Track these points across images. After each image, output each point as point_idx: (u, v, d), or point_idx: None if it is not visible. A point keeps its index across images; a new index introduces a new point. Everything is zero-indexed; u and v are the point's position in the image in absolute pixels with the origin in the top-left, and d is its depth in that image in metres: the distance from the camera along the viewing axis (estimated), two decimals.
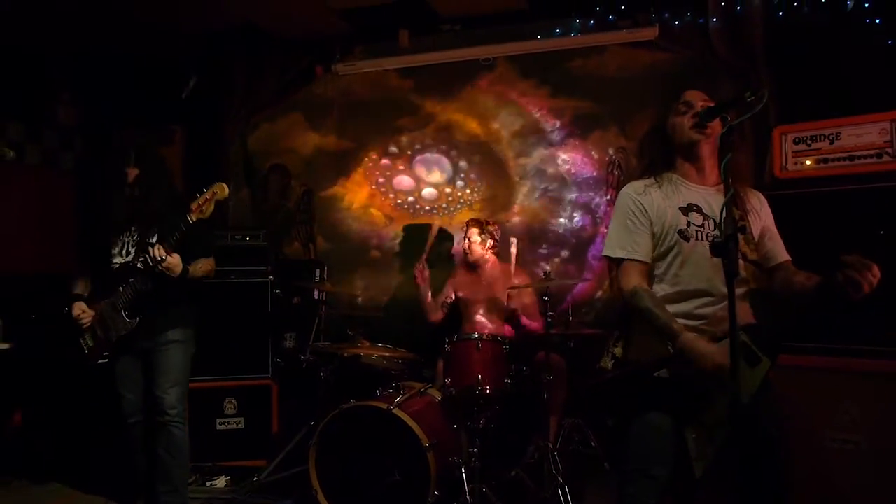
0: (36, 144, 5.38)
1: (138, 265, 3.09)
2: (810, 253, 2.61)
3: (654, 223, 2.09)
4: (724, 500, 1.95)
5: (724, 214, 1.65)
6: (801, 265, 2.17)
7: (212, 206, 3.00)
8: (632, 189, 2.17)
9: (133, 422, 3.28)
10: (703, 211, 2.08)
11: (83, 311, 3.23)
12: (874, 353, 2.94)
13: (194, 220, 3.00)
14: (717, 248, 1.65)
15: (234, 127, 5.39)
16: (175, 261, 3.02)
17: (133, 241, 3.25)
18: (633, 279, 2.07)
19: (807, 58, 3.77)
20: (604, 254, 2.18)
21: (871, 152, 3.05)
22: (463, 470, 3.30)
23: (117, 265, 3.23)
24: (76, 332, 3.25)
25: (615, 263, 2.15)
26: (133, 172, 3.25)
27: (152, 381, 3.20)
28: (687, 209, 2.08)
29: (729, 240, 1.62)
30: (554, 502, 3.32)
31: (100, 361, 3.23)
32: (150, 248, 2.98)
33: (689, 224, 2.05)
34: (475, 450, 3.37)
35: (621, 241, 2.12)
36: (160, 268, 2.98)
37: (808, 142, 3.20)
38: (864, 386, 2.96)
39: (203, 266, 3.25)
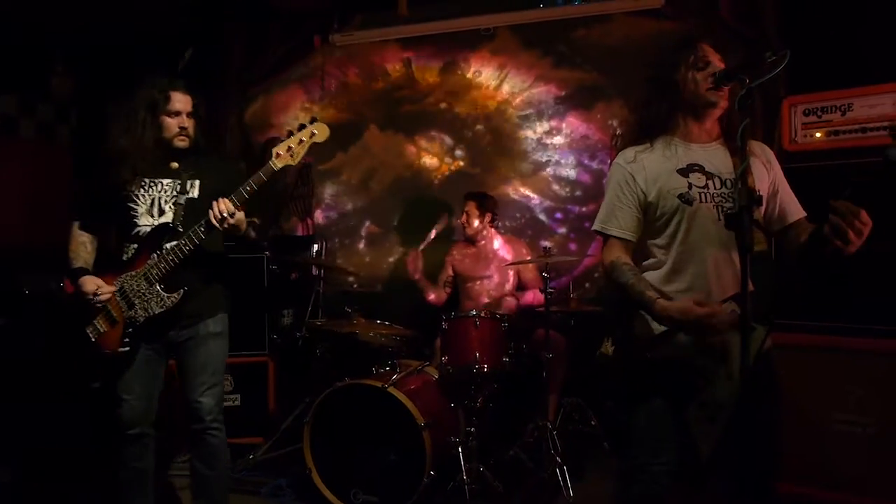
0: (30, 118, 5.29)
1: (179, 227, 2.54)
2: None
3: (648, 192, 1.96)
4: (733, 483, 1.88)
5: (739, 185, 1.55)
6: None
7: (304, 151, 2.46)
8: (622, 159, 2.03)
9: (133, 434, 2.62)
10: (706, 169, 1.95)
11: (99, 287, 2.55)
12: (883, 333, 2.86)
13: (279, 166, 2.45)
14: (730, 221, 1.56)
15: (230, 99, 5.30)
16: (242, 216, 2.47)
17: (168, 196, 2.62)
18: (612, 254, 1.98)
19: (821, 26, 3.61)
20: (594, 227, 2.08)
21: (885, 124, 2.93)
22: (460, 449, 3.25)
23: (147, 228, 2.59)
24: (84, 315, 2.59)
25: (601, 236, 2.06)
26: (183, 100, 2.63)
27: (185, 382, 2.65)
28: (687, 170, 1.94)
29: (743, 212, 1.52)
30: (552, 482, 3.27)
31: (120, 349, 2.56)
32: (214, 203, 2.41)
33: (690, 186, 1.92)
34: (472, 429, 3.32)
35: (605, 215, 2.03)
36: (225, 226, 2.42)
37: (819, 113, 3.09)
38: (872, 366, 2.88)
39: (257, 222, 2.78)
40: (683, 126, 2.01)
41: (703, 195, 1.91)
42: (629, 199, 1.98)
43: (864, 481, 2.85)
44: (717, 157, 1.97)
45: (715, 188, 1.92)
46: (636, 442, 1.98)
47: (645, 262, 2.02)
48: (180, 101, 2.65)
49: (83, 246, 2.72)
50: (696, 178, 1.92)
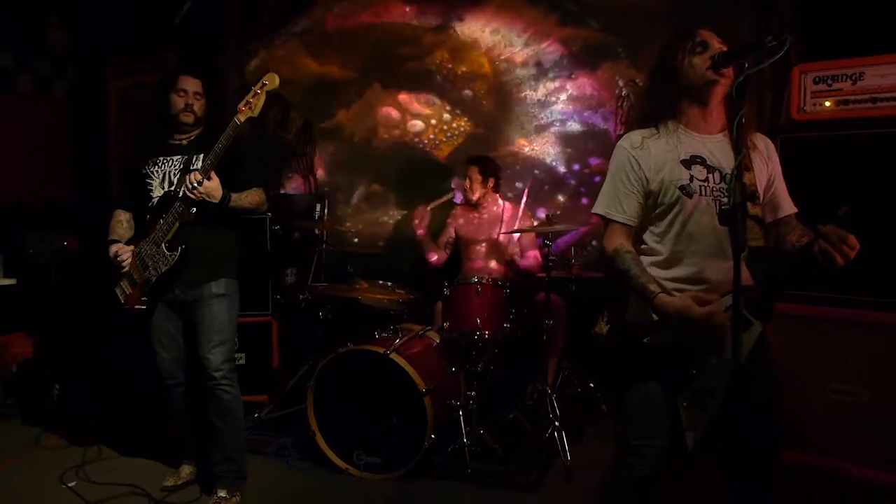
0: (28, 72, 5.22)
1: (180, 193, 2.75)
2: (824, 201, 2.50)
3: (651, 180, 1.94)
4: (717, 469, 1.93)
5: (733, 181, 1.54)
6: (814, 214, 2.04)
7: (262, 101, 2.65)
8: (628, 143, 1.98)
9: (171, 384, 3.02)
10: (708, 162, 1.92)
11: (121, 250, 2.89)
12: (882, 305, 2.87)
13: (242, 120, 2.65)
14: (724, 217, 1.55)
15: (230, 54, 5.21)
16: (213, 185, 2.68)
17: (177, 169, 2.88)
18: (615, 240, 1.95)
19: None
20: (595, 210, 2.04)
21: None
22: (460, 413, 3.32)
23: (156, 198, 2.88)
24: (112, 280, 2.92)
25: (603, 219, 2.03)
26: (192, 84, 2.88)
27: (195, 340, 2.89)
28: (689, 161, 1.91)
29: (737, 209, 1.50)
30: (551, 444, 3.33)
31: (137, 307, 2.88)
32: (188, 175, 2.68)
33: (691, 178, 1.90)
34: (473, 393, 3.38)
35: (608, 199, 1.99)
36: (197, 194, 2.66)
37: (829, 82, 3.02)
38: (870, 338, 2.91)
39: (250, 196, 2.87)
40: (688, 114, 1.96)
41: (703, 188, 1.89)
42: (634, 185, 1.95)
43: (857, 450, 2.90)
44: (720, 151, 1.94)
45: (715, 182, 1.90)
46: (628, 424, 2.00)
47: (642, 247, 2.02)
48: (188, 82, 2.89)
49: (119, 224, 3.04)
50: (698, 171, 1.90)
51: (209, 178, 2.68)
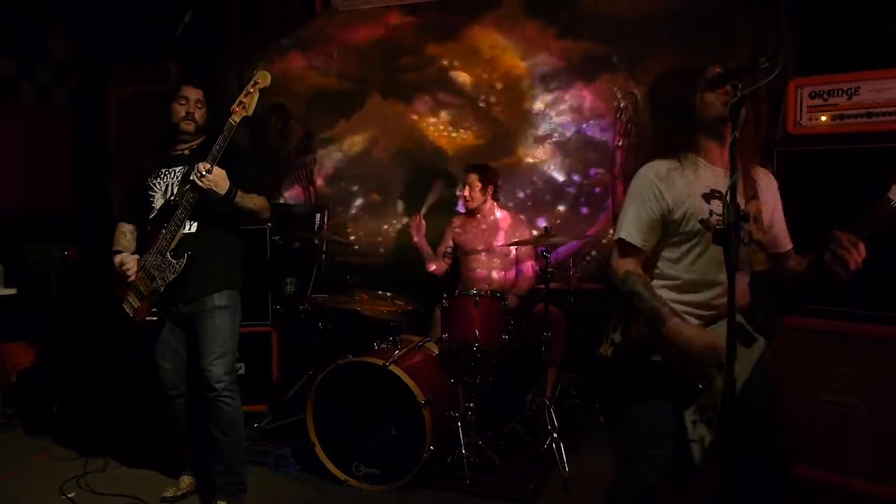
0: (30, 81, 5.23)
1: (182, 200, 2.76)
2: (819, 214, 2.52)
3: (674, 210, 1.97)
4: (720, 481, 1.94)
5: (727, 200, 1.56)
6: (809, 227, 2.06)
7: (255, 100, 2.68)
8: (653, 173, 2.00)
9: (173, 394, 3.03)
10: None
11: (122, 262, 2.90)
12: (875, 318, 2.89)
13: (237, 121, 2.68)
14: (718, 237, 1.57)
15: (231, 64, 5.23)
16: (219, 175, 2.68)
17: (177, 180, 2.89)
18: (627, 264, 2.00)
19: (833, 5, 3.53)
20: (618, 236, 2.04)
21: (892, 110, 2.91)
22: (459, 424, 3.33)
23: (157, 208, 2.90)
24: (111, 288, 2.93)
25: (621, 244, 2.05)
26: (194, 94, 2.91)
27: (196, 352, 2.89)
28: (710, 196, 1.95)
29: (731, 229, 1.53)
30: (549, 456, 3.35)
31: (148, 318, 2.88)
32: (196, 167, 2.69)
33: (711, 213, 1.94)
34: (472, 404, 3.39)
35: (636, 227, 2.00)
36: (205, 182, 2.65)
37: (825, 96, 3.05)
38: (863, 350, 2.93)
39: (254, 199, 2.87)
40: (706, 147, 2.00)
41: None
42: (657, 214, 1.98)
43: (849, 461, 2.92)
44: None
45: None
46: (635, 435, 2.02)
47: (655, 271, 2.05)
48: (190, 91, 2.92)
49: (123, 235, 3.07)
50: (717, 206, 1.93)
51: (215, 168, 2.70)
